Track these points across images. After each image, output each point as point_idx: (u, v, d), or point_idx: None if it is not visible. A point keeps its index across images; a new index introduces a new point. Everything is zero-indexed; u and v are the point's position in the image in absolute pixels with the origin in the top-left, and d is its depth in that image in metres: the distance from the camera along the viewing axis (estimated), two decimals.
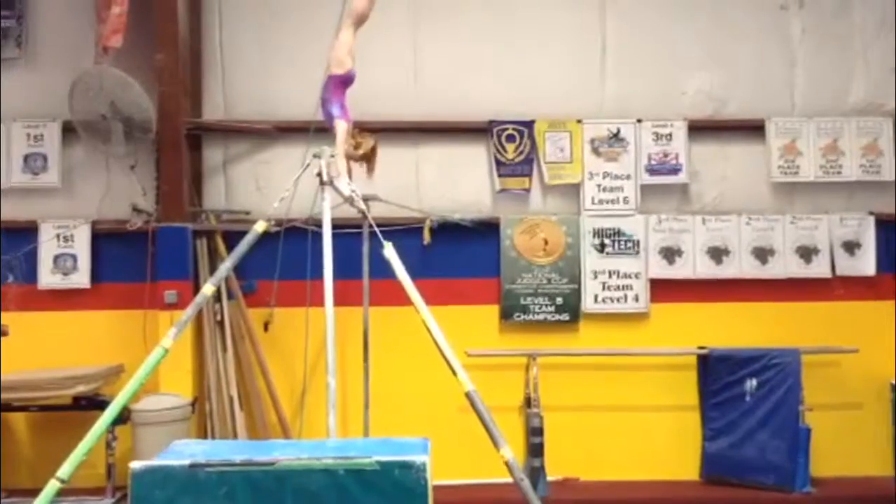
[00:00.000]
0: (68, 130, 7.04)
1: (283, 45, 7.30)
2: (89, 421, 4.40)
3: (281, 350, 7.08)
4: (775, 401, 6.85)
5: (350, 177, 4.98)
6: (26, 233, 7.05)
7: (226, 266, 4.80)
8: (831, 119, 7.39)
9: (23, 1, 7.16)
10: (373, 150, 5.19)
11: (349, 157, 5.08)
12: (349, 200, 4.97)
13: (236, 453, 3.28)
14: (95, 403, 6.31)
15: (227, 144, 7.37)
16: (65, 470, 3.93)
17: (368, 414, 6.45)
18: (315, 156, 4.86)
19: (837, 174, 7.37)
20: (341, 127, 4.95)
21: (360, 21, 5.19)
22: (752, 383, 6.93)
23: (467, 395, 4.22)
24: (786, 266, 7.28)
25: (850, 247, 7.32)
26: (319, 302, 4.77)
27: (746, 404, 6.94)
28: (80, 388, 6.34)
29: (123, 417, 5.96)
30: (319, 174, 4.79)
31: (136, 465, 3.15)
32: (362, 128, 5.32)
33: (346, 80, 5.09)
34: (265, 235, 4.83)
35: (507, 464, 4.06)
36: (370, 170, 5.27)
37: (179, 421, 6.39)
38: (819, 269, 7.28)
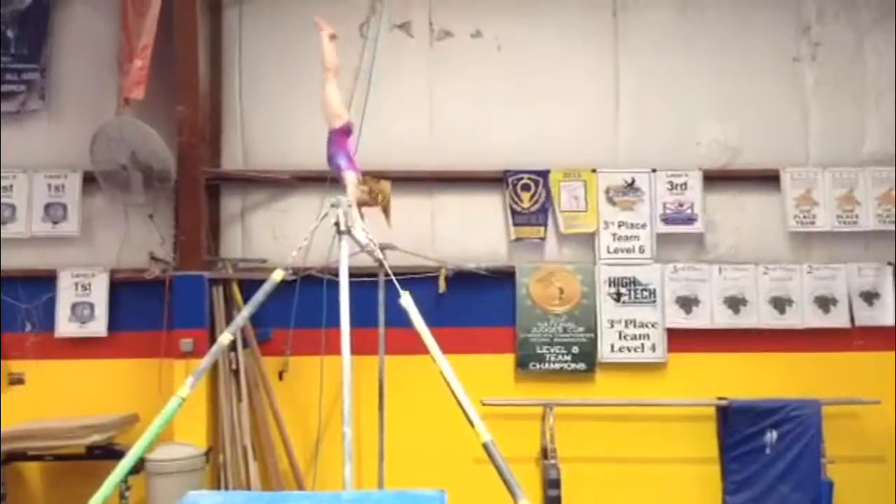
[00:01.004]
0: (88, 180, 7.14)
1: (301, 97, 7.39)
2: (103, 470, 4.40)
3: (295, 399, 7.05)
4: (796, 453, 6.77)
5: (362, 219, 5.05)
6: (45, 281, 7.10)
7: (243, 315, 4.81)
8: (846, 169, 7.39)
9: (46, 54, 7.32)
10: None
11: (364, 205, 5.15)
12: (366, 249, 5.01)
13: None
14: (110, 453, 6.29)
15: (245, 194, 7.44)
16: None
17: (383, 464, 6.39)
18: (333, 205, 4.89)
19: (854, 224, 7.34)
20: (350, 177, 5.05)
21: (334, 73, 5.32)
22: (772, 435, 6.83)
23: (485, 445, 4.18)
24: (804, 316, 7.22)
25: (869, 297, 7.26)
26: (334, 350, 4.77)
27: (767, 457, 6.84)
28: (95, 438, 6.31)
29: (136, 467, 5.91)
30: (337, 223, 4.82)
31: None
32: (375, 175, 5.39)
33: (345, 132, 5.20)
34: (281, 284, 4.85)
35: None
36: (388, 217, 5.35)
37: (193, 471, 6.35)
38: (838, 319, 7.22)
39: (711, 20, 7.54)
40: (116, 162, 6.80)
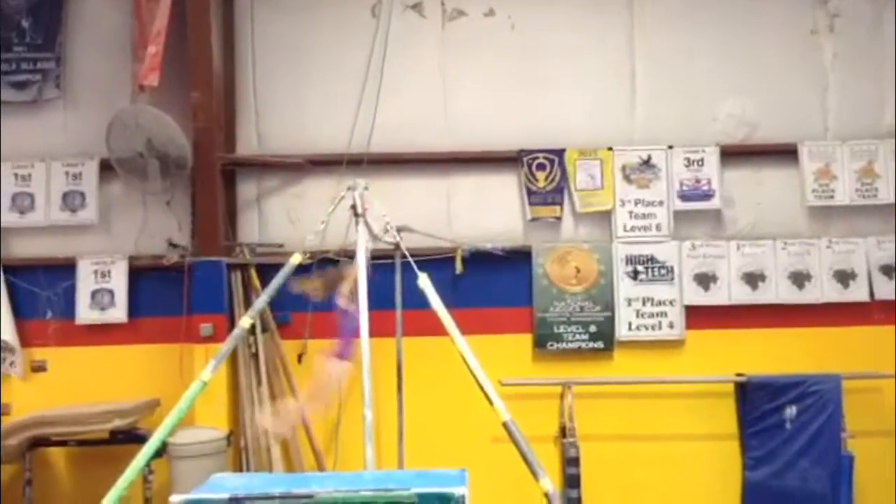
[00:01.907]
0: (105, 168, 7.17)
1: (315, 81, 7.40)
2: (126, 455, 4.43)
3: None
4: (816, 428, 6.74)
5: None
6: (65, 269, 7.16)
7: (262, 299, 4.83)
8: (865, 141, 7.31)
9: (62, 43, 7.34)
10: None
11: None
12: (381, 239, 5.01)
13: (275, 486, 3.27)
14: (132, 437, 6.35)
15: (261, 179, 7.45)
16: None
17: (403, 445, 6.41)
18: (349, 188, 4.89)
19: (873, 197, 7.27)
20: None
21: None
22: (791, 411, 6.81)
23: (504, 424, 4.17)
24: (823, 291, 7.17)
25: (888, 270, 7.19)
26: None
27: (786, 432, 6.82)
28: (118, 423, 6.37)
29: (159, 451, 5.96)
30: (353, 206, 4.82)
31: (176, 499, 3.14)
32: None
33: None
34: (298, 267, 4.87)
35: (546, 495, 4.00)
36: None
37: (215, 454, 6.40)
38: (857, 293, 7.16)
39: None
40: (133, 149, 6.81)
